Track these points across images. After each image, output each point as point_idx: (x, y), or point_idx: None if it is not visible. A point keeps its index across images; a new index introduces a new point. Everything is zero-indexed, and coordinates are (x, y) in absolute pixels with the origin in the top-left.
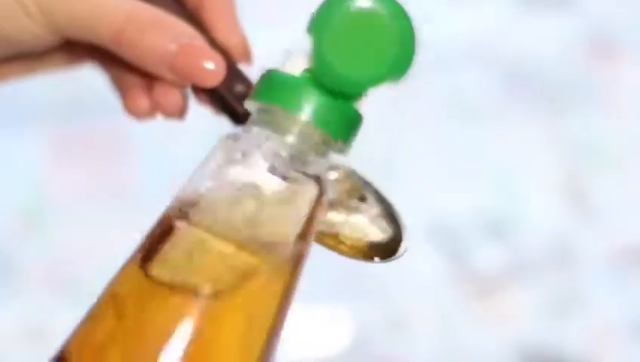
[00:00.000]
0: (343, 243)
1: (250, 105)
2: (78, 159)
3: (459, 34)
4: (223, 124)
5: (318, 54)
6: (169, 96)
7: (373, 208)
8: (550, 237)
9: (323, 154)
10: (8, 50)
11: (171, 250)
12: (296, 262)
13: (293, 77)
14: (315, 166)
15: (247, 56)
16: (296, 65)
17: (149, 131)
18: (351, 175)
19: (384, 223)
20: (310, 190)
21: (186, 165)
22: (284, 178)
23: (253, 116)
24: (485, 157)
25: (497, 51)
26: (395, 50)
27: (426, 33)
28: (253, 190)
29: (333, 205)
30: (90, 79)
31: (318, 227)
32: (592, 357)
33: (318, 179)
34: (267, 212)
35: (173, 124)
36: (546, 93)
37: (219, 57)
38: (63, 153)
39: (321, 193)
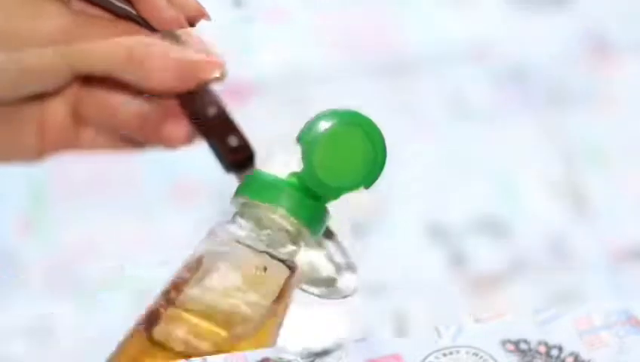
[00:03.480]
0: None
1: (236, 200)
2: (82, 155)
3: (457, 33)
4: None
5: (306, 164)
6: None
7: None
8: (549, 237)
9: (296, 242)
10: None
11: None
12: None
13: (277, 178)
14: (288, 252)
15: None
16: (280, 165)
17: None
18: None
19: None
20: (282, 271)
21: (188, 164)
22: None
23: (239, 209)
24: (483, 157)
25: (496, 51)
26: (369, 165)
27: (424, 33)
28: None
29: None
30: None
31: (289, 301)
32: (588, 355)
33: (290, 263)
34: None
35: None
36: (544, 92)
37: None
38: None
39: (291, 275)
